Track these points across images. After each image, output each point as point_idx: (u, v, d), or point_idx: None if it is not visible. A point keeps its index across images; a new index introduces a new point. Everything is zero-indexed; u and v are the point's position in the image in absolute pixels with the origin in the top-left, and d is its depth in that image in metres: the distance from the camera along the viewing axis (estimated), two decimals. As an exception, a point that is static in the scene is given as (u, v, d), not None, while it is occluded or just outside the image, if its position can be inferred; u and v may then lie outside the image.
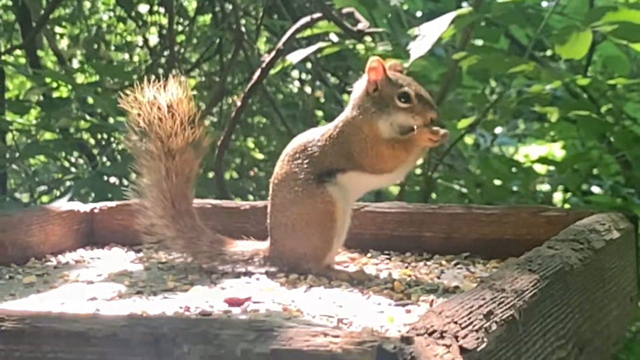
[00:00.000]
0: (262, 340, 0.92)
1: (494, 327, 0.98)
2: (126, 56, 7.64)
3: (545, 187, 5.26)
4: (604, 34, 3.94)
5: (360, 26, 3.18)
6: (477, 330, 0.94)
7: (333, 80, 6.97)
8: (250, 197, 5.84)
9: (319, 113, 6.85)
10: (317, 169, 1.68)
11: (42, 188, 4.87)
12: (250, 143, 7.38)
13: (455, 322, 0.93)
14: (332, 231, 1.66)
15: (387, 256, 1.83)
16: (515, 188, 4.57)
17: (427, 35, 3.13)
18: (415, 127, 1.64)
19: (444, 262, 1.75)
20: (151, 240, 1.76)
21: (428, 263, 1.75)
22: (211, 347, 0.93)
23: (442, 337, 0.91)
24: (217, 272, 1.70)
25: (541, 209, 1.76)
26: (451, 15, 3.13)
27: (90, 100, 4.42)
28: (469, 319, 0.96)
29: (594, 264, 1.39)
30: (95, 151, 4.97)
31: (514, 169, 4.60)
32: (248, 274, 1.69)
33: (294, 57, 3.66)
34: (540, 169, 5.28)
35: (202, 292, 1.53)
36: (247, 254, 1.72)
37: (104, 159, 4.51)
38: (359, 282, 1.59)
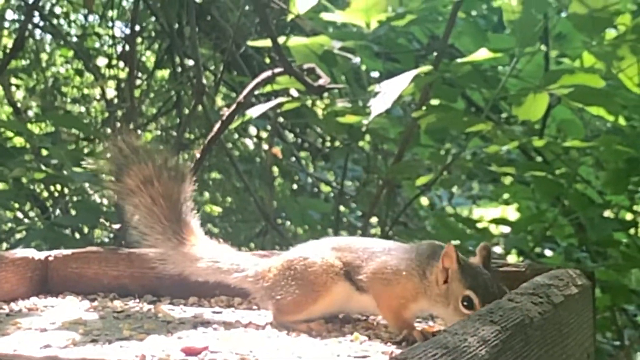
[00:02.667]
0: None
1: (457, 376, 0.97)
2: (82, 109, 7.62)
3: (498, 249, 5.30)
4: (558, 97, 4.01)
5: (321, 82, 3.20)
6: (440, 379, 0.93)
7: (291, 137, 7.00)
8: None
9: (276, 170, 6.86)
10: (346, 266, 1.65)
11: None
12: (205, 199, 7.34)
13: (419, 370, 0.92)
14: (307, 306, 1.64)
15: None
16: (470, 248, 4.59)
17: (387, 92, 3.16)
18: None
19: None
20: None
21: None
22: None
23: (405, 384, 0.90)
24: (175, 322, 1.68)
25: (499, 264, 1.76)
26: (412, 73, 3.18)
27: (44, 151, 4.40)
28: (432, 367, 0.95)
29: (553, 318, 1.39)
30: (48, 203, 4.92)
31: (469, 230, 4.63)
32: (205, 323, 1.66)
33: (254, 112, 3.67)
34: (494, 230, 5.32)
35: (159, 341, 1.51)
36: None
37: (58, 210, 4.46)
38: (317, 333, 1.58)
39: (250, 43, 3.95)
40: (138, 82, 7.13)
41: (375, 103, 3.13)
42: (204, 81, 3.13)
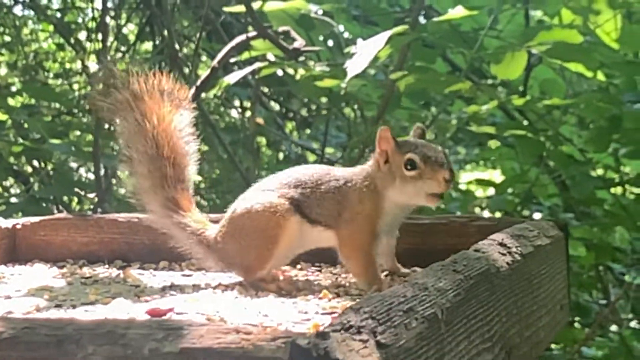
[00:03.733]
0: (171, 340, 0.88)
1: (414, 324, 0.95)
2: (65, 83, 7.57)
3: (485, 213, 5.28)
4: (540, 57, 3.98)
5: (296, 44, 3.16)
6: (395, 327, 0.91)
7: (276, 106, 6.95)
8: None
9: (263, 140, 6.83)
10: (295, 199, 1.62)
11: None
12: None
13: (373, 318, 0.90)
14: (269, 253, 1.61)
15: (318, 268, 1.79)
16: (456, 212, 4.58)
17: (363, 54, 3.12)
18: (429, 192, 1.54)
19: (374, 273, 1.72)
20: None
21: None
22: (117, 347, 0.88)
23: (359, 332, 0.87)
24: (143, 286, 1.65)
25: (472, 218, 1.75)
26: (387, 33, 3.13)
27: (27, 125, 4.36)
28: (388, 315, 0.93)
29: (522, 269, 1.37)
30: (32, 177, 4.89)
31: (453, 193, 4.61)
32: (173, 287, 1.64)
33: (231, 78, 3.63)
34: (480, 194, 5.29)
35: (124, 305, 1.48)
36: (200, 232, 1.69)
37: (37, 183, 4.43)
38: (286, 292, 1.56)
39: (226, 9, 3.90)
40: (120, 55, 7.07)
41: (351, 65, 3.09)
42: (178, 48, 3.08)
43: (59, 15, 6.78)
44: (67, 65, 7.47)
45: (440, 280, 1.10)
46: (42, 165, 4.95)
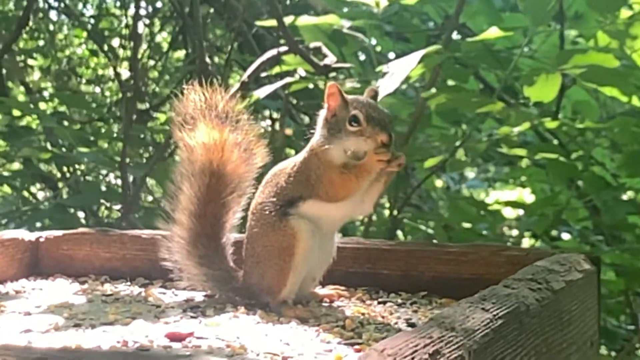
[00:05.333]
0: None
1: (440, 367, 0.92)
2: (97, 89, 7.62)
3: (514, 232, 5.22)
4: (574, 78, 3.93)
5: (327, 61, 3.14)
6: (420, 371, 0.88)
7: (305, 119, 6.93)
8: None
9: (292, 152, 6.80)
10: (280, 199, 1.64)
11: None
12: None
13: (397, 362, 0.86)
14: (288, 265, 1.60)
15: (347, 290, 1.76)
16: (484, 232, 4.53)
17: (395, 73, 3.09)
18: (366, 151, 1.58)
19: (399, 301, 1.69)
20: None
21: (383, 301, 1.69)
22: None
23: (381, 376, 0.84)
24: (164, 306, 1.63)
25: (501, 247, 1.71)
26: (420, 53, 3.10)
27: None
28: (412, 358, 0.89)
29: (552, 305, 1.33)
30: (61, 184, 4.90)
31: (482, 212, 4.56)
32: (194, 308, 1.61)
33: (261, 92, 3.61)
34: (511, 214, 5.23)
35: (144, 326, 1.46)
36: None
37: (67, 190, 4.42)
38: (302, 320, 1.52)
39: (258, 23, 3.88)
40: (152, 63, 7.10)
41: (383, 83, 3.06)
42: (208, 60, 3.06)
43: (92, 21, 6.81)
44: (100, 72, 7.51)
45: (468, 319, 1.06)
46: (71, 172, 4.96)
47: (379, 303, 1.67)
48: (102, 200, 2.87)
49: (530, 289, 1.29)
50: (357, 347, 1.33)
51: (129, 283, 1.85)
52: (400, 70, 3.05)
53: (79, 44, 7.61)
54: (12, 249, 1.87)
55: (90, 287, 1.79)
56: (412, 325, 1.47)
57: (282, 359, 1.26)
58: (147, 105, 7.03)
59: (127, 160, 4.42)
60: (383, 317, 1.56)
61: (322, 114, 1.65)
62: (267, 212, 1.64)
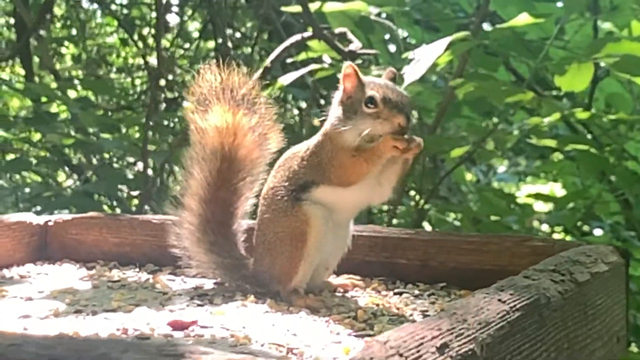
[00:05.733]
0: (171, 368, 0.78)
1: (448, 362, 0.84)
2: (128, 79, 7.63)
3: (544, 226, 5.12)
4: (607, 70, 3.83)
5: (352, 47, 3.06)
6: (426, 365, 0.80)
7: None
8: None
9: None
10: (293, 184, 1.58)
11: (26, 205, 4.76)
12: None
13: (401, 355, 0.79)
14: (300, 252, 1.54)
15: (362, 281, 1.69)
16: (513, 225, 4.44)
17: (422, 59, 3.01)
18: (382, 134, 1.50)
19: (417, 292, 1.61)
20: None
21: (399, 292, 1.61)
22: (111, 373, 0.79)
23: (382, 370, 0.77)
24: (171, 293, 1.56)
25: (525, 238, 1.62)
26: (447, 39, 3.01)
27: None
28: (418, 351, 0.82)
29: (576, 298, 1.25)
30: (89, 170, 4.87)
31: (511, 205, 4.47)
32: (202, 296, 1.55)
33: (285, 79, 3.55)
34: (542, 207, 5.14)
35: (146, 314, 1.40)
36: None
37: (90, 176, 4.39)
38: (313, 310, 1.45)
39: (284, 8, 3.81)
40: (183, 52, 7.07)
41: (409, 70, 2.98)
42: (231, 47, 3.00)
43: (124, 11, 6.80)
44: (130, 61, 7.51)
45: (483, 310, 0.99)
46: (98, 159, 4.93)
47: (395, 294, 1.60)
48: (123, 187, 2.81)
49: (553, 281, 1.22)
50: (367, 339, 1.26)
51: (137, 269, 1.79)
52: (426, 57, 2.96)
53: (110, 33, 7.61)
54: (20, 233, 1.81)
55: (98, 273, 1.73)
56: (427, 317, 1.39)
57: (288, 350, 1.20)
58: (177, 94, 7.01)
59: (154, 147, 4.37)
60: (398, 308, 1.48)
61: (337, 95, 1.58)
62: (278, 197, 1.58)
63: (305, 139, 4.48)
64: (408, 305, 1.51)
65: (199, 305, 1.48)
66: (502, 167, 7.08)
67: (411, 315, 1.45)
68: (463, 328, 0.91)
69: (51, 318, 1.37)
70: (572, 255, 1.37)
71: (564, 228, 4.72)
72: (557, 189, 6.24)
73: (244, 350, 1.19)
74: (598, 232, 4.91)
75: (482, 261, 1.64)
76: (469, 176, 6.30)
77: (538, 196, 4.38)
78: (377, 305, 1.50)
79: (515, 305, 1.04)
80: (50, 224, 1.88)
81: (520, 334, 1.03)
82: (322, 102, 6.37)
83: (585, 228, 4.94)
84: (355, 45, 3.07)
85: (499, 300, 1.04)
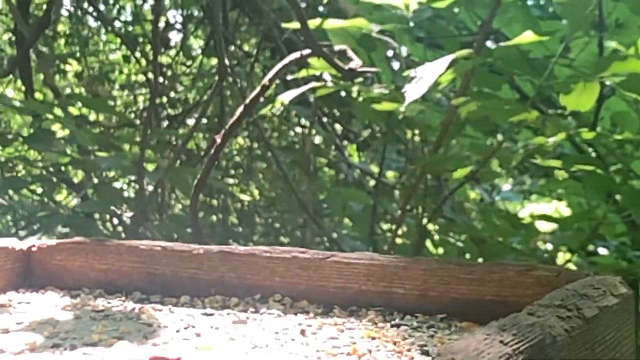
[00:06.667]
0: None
1: (444, 416, 0.76)
2: (132, 96, 7.63)
3: (549, 246, 5.05)
4: (613, 89, 3.77)
5: (352, 65, 2.99)
6: (419, 421, 0.72)
7: (338, 127, 6.82)
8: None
9: (323, 160, 6.70)
10: None
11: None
12: (255, 189, 7.24)
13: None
14: None
15: (352, 314, 1.61)
16: (518, 246, 4.37)
17: (423, 78, 2.94)
18: None
19: (415, 324, 1.53)
20: None
21: (397, 324, 1.53)
22: None
23: None
24: (157, 325, 1.48)
25: (529, 267, 1.54)
26: (450, 57, 2.95)
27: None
28: (410, 405, 0.74)
29: (584, 336, 1.17)
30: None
31: (515, 225, 4.40)
32: (189, 328, 1.47)
33: (285, 97, 3.50)
34: (547, 227, 5.08)
35: (128, 348, 1.32)
36: None
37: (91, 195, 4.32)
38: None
39: (284, 25, 3.76)
40: (184, 69, 7.05)
41: (410, 89, 2.92)
42: (228, 63, 2.94)
43: (129, 28, 6.79)
44: (133, 78, 7.51)
45: (483, 354, 0.91)
46: (98, 177, 4.87)
47: (392, 326, 1.52)
48: (112, 208, 2.74)
49: (559, 317, 1.14)
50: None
51: (123, 298, 1.71)
52: (428, 75, 2.90)
53: (112, 50, 7.61)
54: (2, 259, 1.74)
55: (81, 302, 1.65)
56: (425, 353, 1.32)
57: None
58: (179, 111, 6.97)
59: (154, 166, 4.31)
60: (395, 342, 1.40)
61: None
62: None
63: (306, 158, 4.41)
64: (406, 338, 1.43)
65: (184, 339, 1.40)
66: (506, 186, 7.02)
67: (409, 349, 1.37)
68: (461, 376, 0.84)
69: (26, 353, 1.29)
70: (579, 288, 1.29)
71: (568, 248, 4.65)
72: (562, 208, 6.18)
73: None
74: (603, 251, 4.84)
75: (483, 292, 1.56)
76: (472, 195, 6.24)
77: (543, 217, 4.31)
78: (374, 338, 1.42)
79: (518, 348, 0.97)
80: (34, 249, 1.80)
81: (523, 378, 0.95)
82: (325, 120, 6.32)
83: (591, 247, 4.87)
84: (356, 63, 3.01)
85: (501, 342, 0.96)
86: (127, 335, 1.41)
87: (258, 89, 2.90)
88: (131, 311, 1.60)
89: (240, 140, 7.12)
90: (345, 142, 6.69)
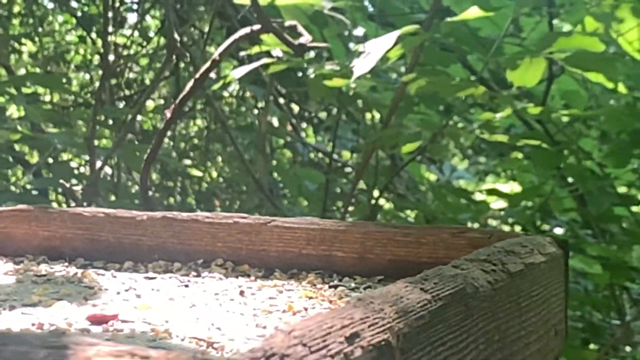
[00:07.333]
0: (53, 360, 0.73)
1: (358, 352, 0.80)
2: (87, 76, 7.60)
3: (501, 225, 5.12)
4: (563, 67, 3.82)
5: (302, 40, 3.01)
6: (332, 356, 0.76)
7: (294, 108, 6.83)
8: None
9: (281, 141, 6.71)
10: None
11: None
12: (213, 171, 7.24)
13: (304, 345, 0.75)
14: None
15: (292, 277, 1.64)
16: (469, 222, 4.43)
17: (370, 53, 2.98)
18: None
19: (353, 285, 1.57)
20: None
21: (335, 285, 1.57)
22: (-9, 366, 0.73)
23: (282, 362, 0.72)
24: (98, 287, 1.51)
25: (462, 229, 1.59)
26: (397, 32, 2.99)
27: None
28: (324, 341, 0.77)
29: (508, 289, 1.21)
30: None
31: (467, 202, 4.46)
32: (130, 290, 1.50)
33: (237, 73, 3.51)
34: (499, 205, 5.15)
35: (67, 308, 1.34)
36: None
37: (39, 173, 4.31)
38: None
39: (235, 0, 3.77)
40: (141, 50, 7.01)
41: (358, 63, 2.95)
42: (178, 38, 2.94)
43: (84, 8, 6.75)
44: (89, 58, 7.46)
45: (402, 300, 0.94)
46: (51, 156, 4.85)
47: (330, 287, 1.56)
48: (61, 182, 2.75)
49: (483, 270, 1.18)
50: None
51: (67, 264, 1.73)
52: (375, 51, 2.93)
53: (67, 30, 7.55)
54: (-55, 227, 1.75)
55: (24, 267, 1.67)
56: (359, 310, 1.35)
57: (208, 344, 1.15)
58: (132, 91, 6.93)
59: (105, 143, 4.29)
60: (331, 301, 1.44)
61: None
62: None
63: (261, 138, 4.43)
64: (342, 298, 1.47)
65: (124, 300, 1.43)
66: (462, 166, 7.09)
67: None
68: (378, 317, 0.87)
69: (-36, 313, 1.31)
70: (506, 246, 1.33)
71: (522, 227, 4.72)
72: (517, 188, 6.25)
73: (161, 344, 1.14)
74: (559, 230, 4.91)
75: (419, 253, 1.60)
76: (432, 177, 6.29)
77: (491, 192, 4.38)
78: (310, 298, 1.46)
79: (438, 295, 1.00)
80: (-23, 217, 1.81)
81: (442, 324, 0.98)
82: (281, 100, 6.32)
83: (546, 227, 4.94)
84: (305, 38, 3.02)
85: (422, 289, 1.00)
86: (67, 297, 1.43)
87: (208, 63, 2.91)
88: (73, 275, 1.62)
89: (198, 122, 7.12)
90: (303, 123, 6.72)
